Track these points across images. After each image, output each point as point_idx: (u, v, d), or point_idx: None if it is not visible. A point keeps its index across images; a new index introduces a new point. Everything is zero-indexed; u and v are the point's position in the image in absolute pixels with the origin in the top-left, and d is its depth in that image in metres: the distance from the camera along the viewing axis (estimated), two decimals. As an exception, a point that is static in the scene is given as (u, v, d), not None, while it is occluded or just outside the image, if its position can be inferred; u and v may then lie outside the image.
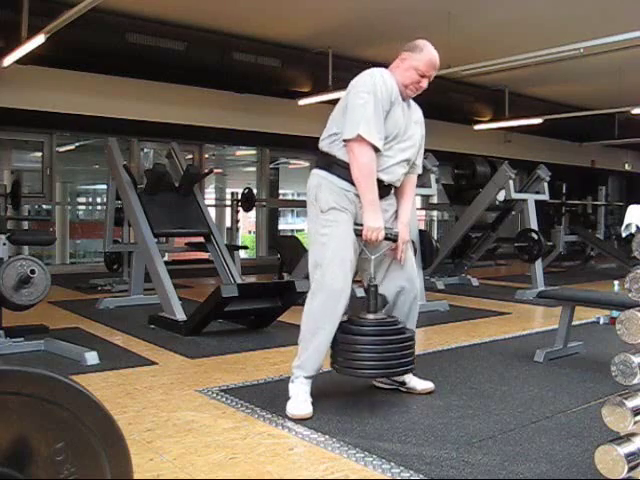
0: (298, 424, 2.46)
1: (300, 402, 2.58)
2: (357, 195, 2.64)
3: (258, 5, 6.69)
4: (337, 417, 2.53)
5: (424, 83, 2.71)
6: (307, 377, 2.65)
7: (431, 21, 6.77)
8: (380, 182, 2.68)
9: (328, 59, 7.97)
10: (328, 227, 2.64)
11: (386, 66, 2.74)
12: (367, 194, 2.59)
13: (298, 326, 2.72)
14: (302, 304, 2.74)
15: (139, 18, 6.95)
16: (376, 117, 2.56)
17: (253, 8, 6.78)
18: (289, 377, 2.74)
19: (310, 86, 8.26)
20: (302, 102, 8.47)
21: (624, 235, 2.27)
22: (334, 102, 2.84)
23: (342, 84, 3.07)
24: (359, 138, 2.53)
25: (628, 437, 1.67)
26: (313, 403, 2.60)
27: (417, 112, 2.86)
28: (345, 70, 6.67)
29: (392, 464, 2.09)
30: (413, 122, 2.78)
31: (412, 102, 2.84)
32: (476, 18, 6.93)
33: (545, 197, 6.90)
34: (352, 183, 2.62)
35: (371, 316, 2.62)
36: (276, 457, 2.15)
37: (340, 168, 2.65)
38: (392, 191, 2.83)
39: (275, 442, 2.30)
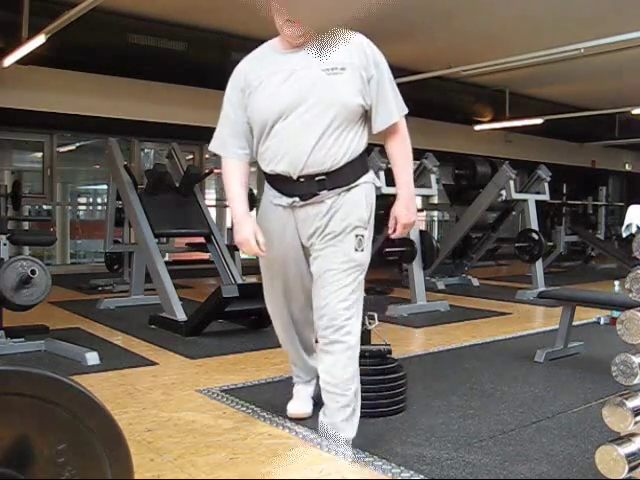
0: (298, 424, 2.46)
1: (301, 402, 2.58)
2: (290, 205, 2.19)
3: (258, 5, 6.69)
4: (338, 417, 2.53)
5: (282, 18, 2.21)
6: (307, 381, 2.65)
7: (432, 21, 6.77)
8: (284, 177, 2.16)
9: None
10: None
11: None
12: (231, 209, 2.29)
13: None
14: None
15: (139, 18, 6.95)
16: (222, 125, 2.42)
17: (253, 8, 6.77)
18: (289, 377, 2.74)
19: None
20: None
21: (624, 235, 2.26)
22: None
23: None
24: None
25: (628, 437, 1.67)
26: (314, 404, 2.59)
27: (337, 55, 2.15)
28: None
29: (392, 464, 2.09)
30: (333, 67, 2.12)
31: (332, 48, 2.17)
32: (476, 18, 6.92)
33: (546, 197, 6.91)
34: (278, 190, 2.23)
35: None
36: (276, 457, 2.15)
37: (266, 177, 2.30)
38: (329, 194, 2.13)
39: (275, 442, 2.30)
